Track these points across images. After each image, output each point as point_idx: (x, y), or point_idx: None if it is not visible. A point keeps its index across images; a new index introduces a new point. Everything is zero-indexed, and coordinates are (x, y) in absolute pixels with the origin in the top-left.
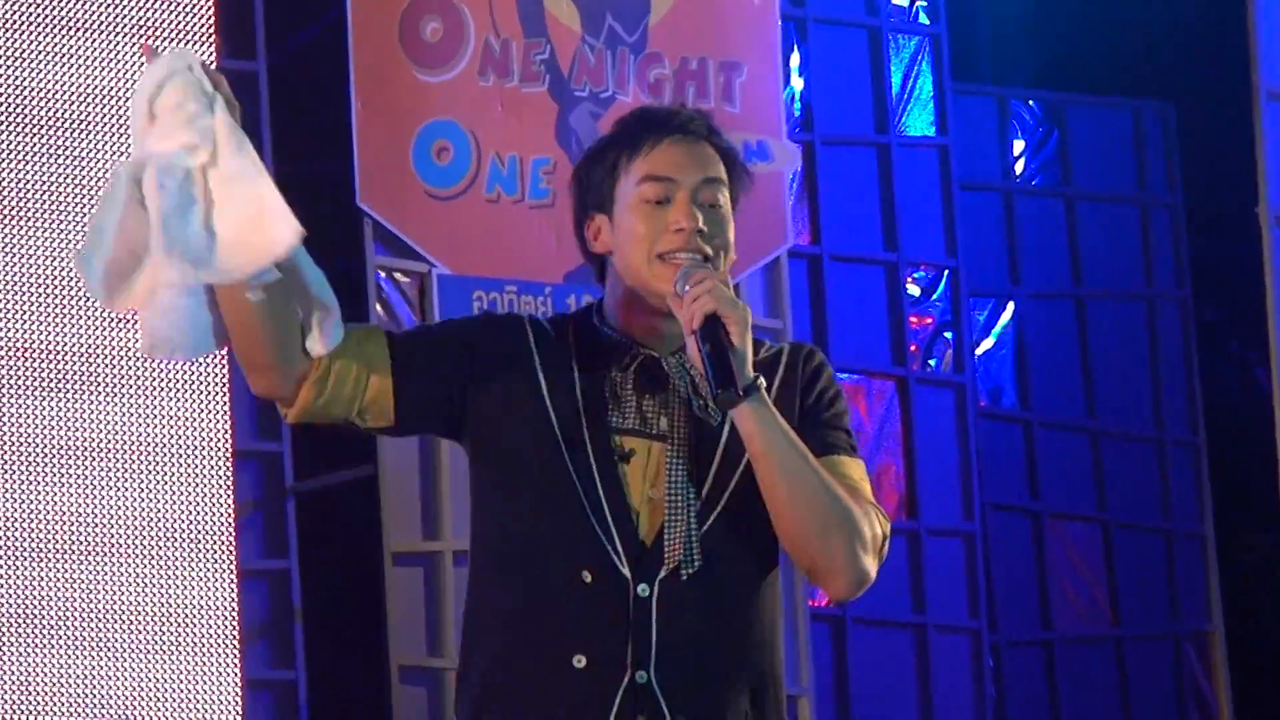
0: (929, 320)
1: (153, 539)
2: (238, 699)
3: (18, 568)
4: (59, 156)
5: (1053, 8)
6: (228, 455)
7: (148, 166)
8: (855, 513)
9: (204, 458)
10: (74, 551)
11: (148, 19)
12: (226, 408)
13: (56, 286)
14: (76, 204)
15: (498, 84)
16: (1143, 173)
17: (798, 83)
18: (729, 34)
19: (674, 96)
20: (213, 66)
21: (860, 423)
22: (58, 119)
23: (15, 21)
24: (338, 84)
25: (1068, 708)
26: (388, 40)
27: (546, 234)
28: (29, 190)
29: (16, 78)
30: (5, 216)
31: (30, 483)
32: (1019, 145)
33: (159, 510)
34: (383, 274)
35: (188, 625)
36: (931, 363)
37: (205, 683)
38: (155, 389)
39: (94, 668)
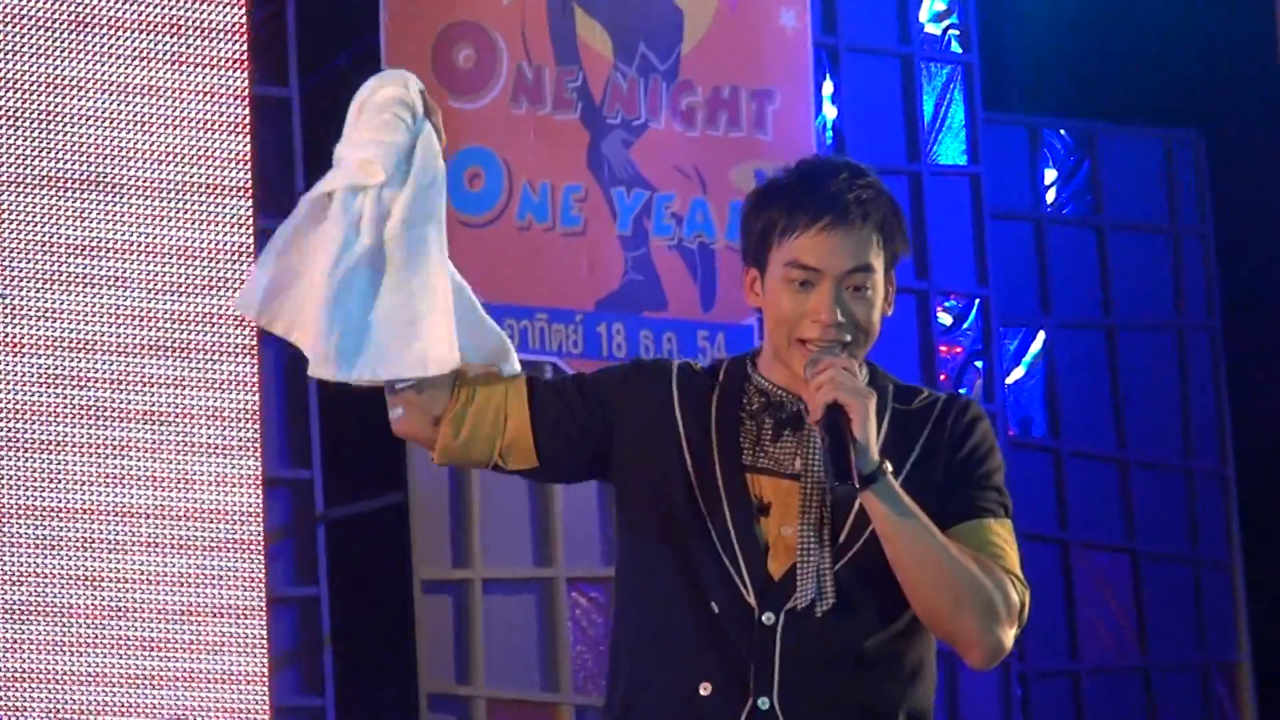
0: (959, 349)
1: (185, 566)
2: None
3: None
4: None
5: (1084, 37)
6: (258, 483)
7: (337, 190)
8: (988, 587)
9: (235, 485)
10: (107, 576)
11: (183, 46)
12: (257, 435)
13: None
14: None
15: (530, 111)
16: (1173, 202)
17: (830, 111)
18: (761, 62)
19: (706, 125)
20: (247, 93)
21: None
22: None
23: (47, 49)
24: None
25: None
26: (420, 66)
27: (578, 261)
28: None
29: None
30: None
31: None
32: (1050, 174)
33: (191, 538)
34: None
35: (218, 651)
36: (962, 391)
37: (236, 704)
38: (188, 417)
39: (123, 699)
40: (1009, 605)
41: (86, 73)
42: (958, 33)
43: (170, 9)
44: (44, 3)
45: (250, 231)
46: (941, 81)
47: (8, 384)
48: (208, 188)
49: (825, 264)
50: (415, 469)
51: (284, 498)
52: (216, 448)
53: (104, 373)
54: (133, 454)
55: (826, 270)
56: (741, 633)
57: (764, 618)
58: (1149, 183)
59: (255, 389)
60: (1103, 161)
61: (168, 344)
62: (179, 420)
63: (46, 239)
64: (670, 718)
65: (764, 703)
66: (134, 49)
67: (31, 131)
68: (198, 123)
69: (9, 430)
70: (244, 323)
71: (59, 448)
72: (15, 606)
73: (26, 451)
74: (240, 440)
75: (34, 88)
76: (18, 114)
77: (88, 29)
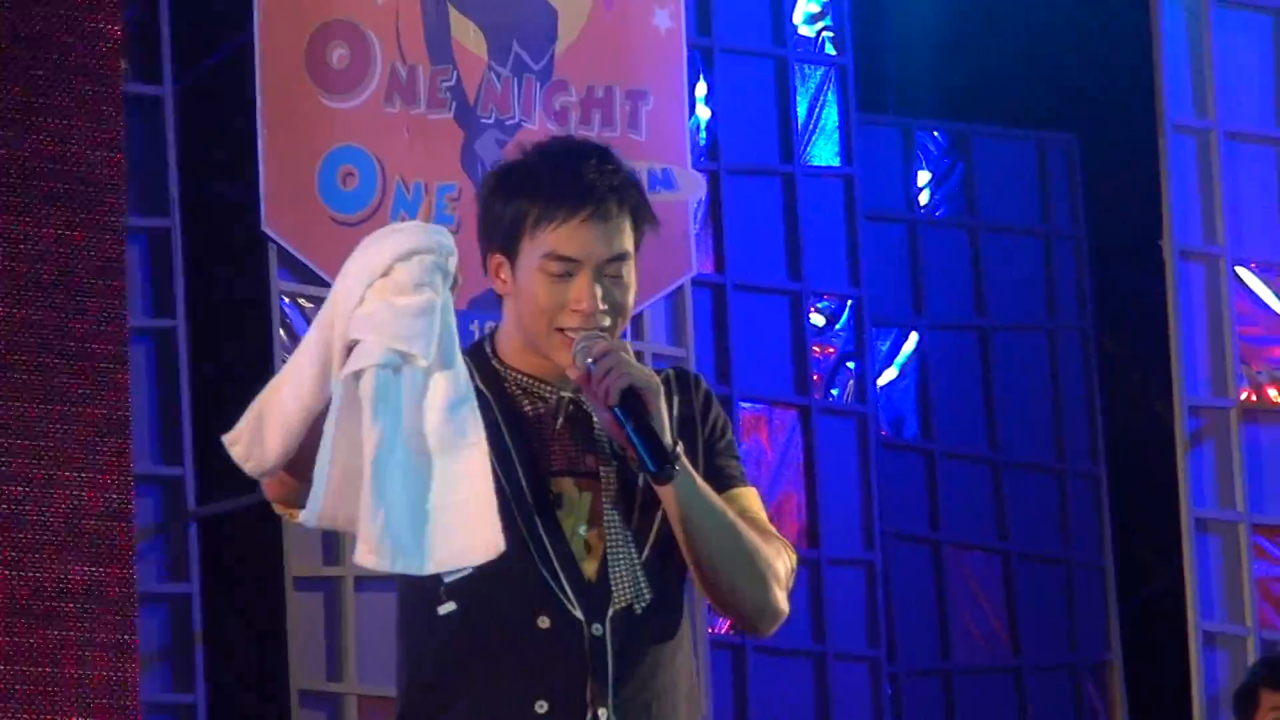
0: (832, 350)
1: (52, 560)
2: None
3: None
4: None
5: (959, 40)
6: (128, 480)
7: (365, 372)
8: (770, 555)
9: (104, 482)
10: None
11: (54, 44)
12: (127, 432)
13: None
14: None
15: (404, 110)
16: (1047, 205)
17: (704, 112)
18: (635, 63)
19: (580, 126)
20: (120, 91)
21: (762, 452)
22: None
23: None
24: (244, 109)
25: None
26: (294, 66)
27: None
28: None
29: None
30: None
31: None
32: (924, 176)
33: (59, 532)
34: (287, 299)
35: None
36: (834, 392)
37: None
38: (56, 414)
39: None
40: (787, 571)
41: None
42: (831, 35)
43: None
44: None
45: (121, 231)
46: (815, 83)
47: None
48: (79, 185)
49: (584, 254)
50: None
51: (155, 495)
52: (86, 445)
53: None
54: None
55: (586, 261)
56: (573, 646)
57: (593, 629)
58: (1022, 185)
59: (125, 388)
60: (976, 164)
61: (36, 342)
62: (48, 419)
63: None
64: None
65: (603, 714)
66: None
67: None
68: (69, 120)
69: None
70: (114, 322)
71: None
72: None
73: None
74: (111, 438)
75: None
76: None
77: None
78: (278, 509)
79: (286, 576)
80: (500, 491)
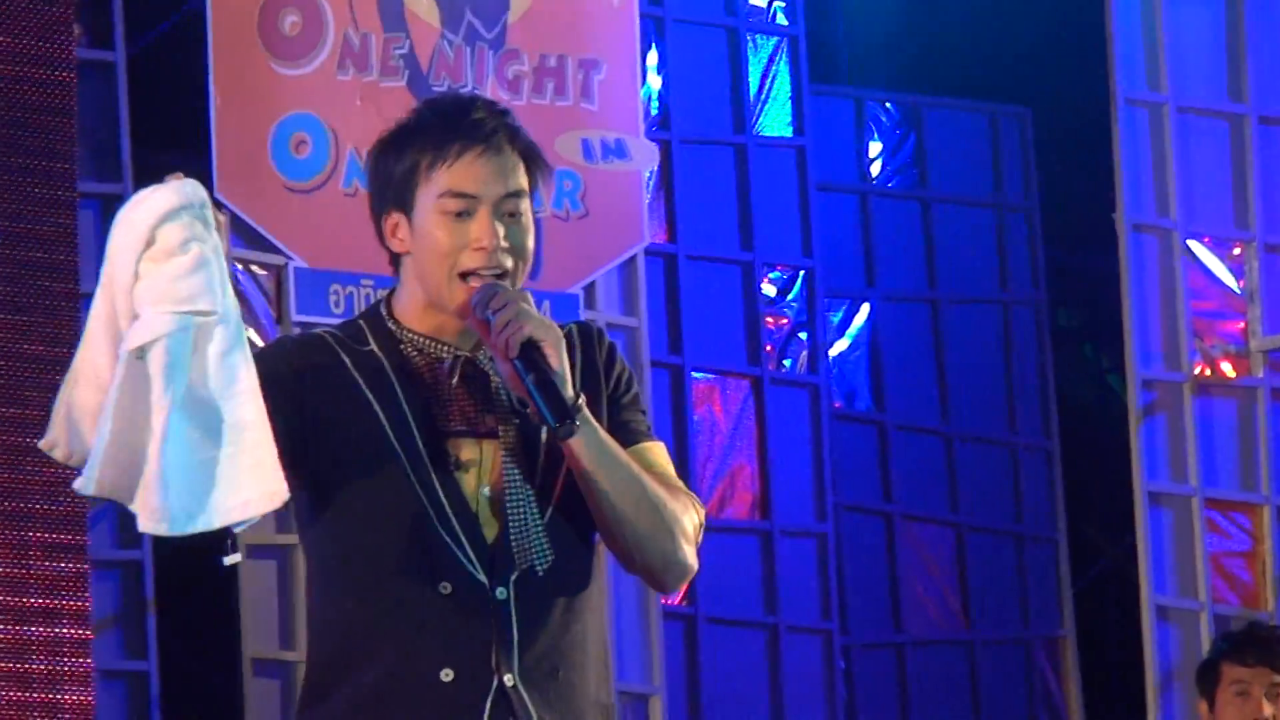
0: (784, 321)
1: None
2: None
3: None
4: None
5: (911, 11)
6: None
7: (156, 343)
8: (677, 511)
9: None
10: None
11: (5, 6)
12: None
13: None
14: None
15: (356, 78)
16: (999, 177)
17: (655, 81)
18: (588, 32)
19: (532, 94)
20: (72, 56)
21: (715, 422)
22: None
23: None
24: (195, 75)
25: (918, 710)
26: (246, 32)
27: None
28: None
29: None
30: None
31: None
32: (876, 147)
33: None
34: (239, 266)
35: (41, 615)
36: (786, 363)
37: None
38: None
39: None
40: (695, 526)
41: None
42: (783, 5)
43: None
44: None
45: (72, 198)
46: (767, 53)
47: None
48: (29, 152)
49: (482, 190)
50: None
51: None
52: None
53: None
54: None
55: (483, 196)
56: (477, 611)
57: (497, 592)
58: (975, 157)
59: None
60: (929, 135)
61: None
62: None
63: None
64: (412, 708)
65: (509, 679)
66: None
67: None
68: (21, 86)
69: None
70: (66, 294)
71: None
72: None
73: None
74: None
75: None
76: None
77: None
78: None
79: (237, 544)
80: (395, 454)
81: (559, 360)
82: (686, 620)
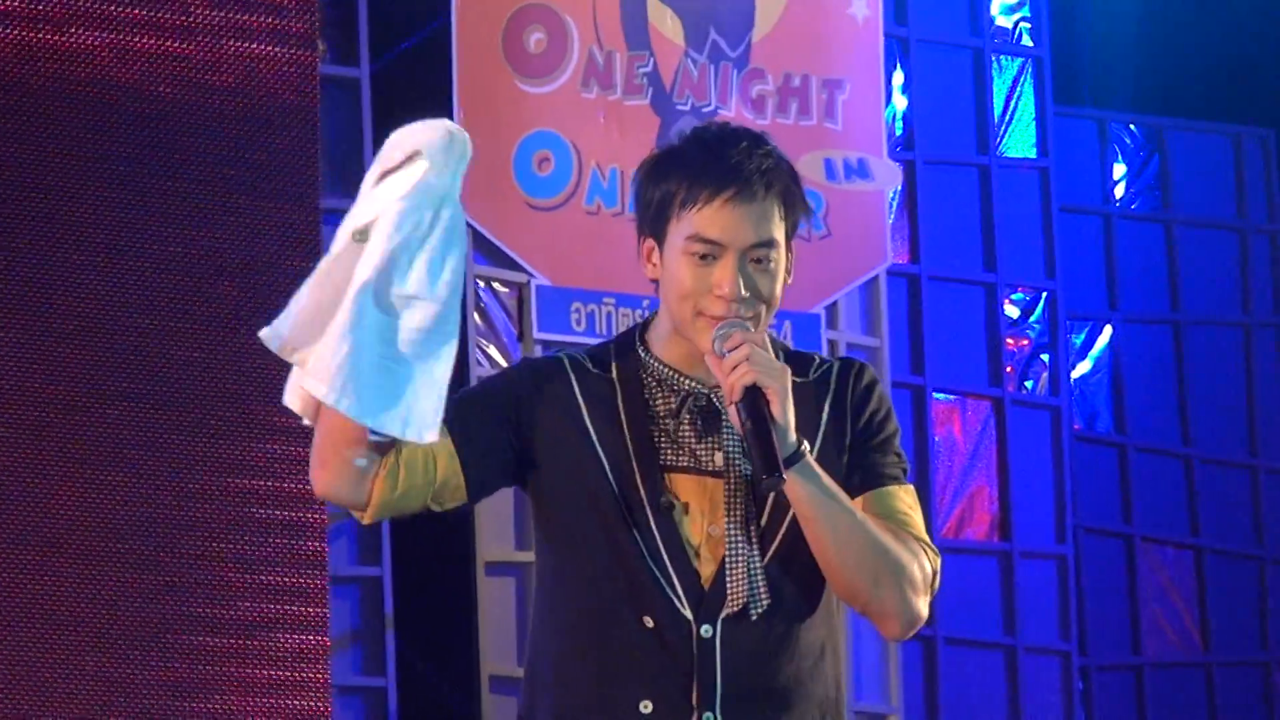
0: (1026, 342)
1: (244, 545)
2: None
3: (106, 570)
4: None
5: (1155, 32)
6: None
7: (375, 225)
8: (904, 559)
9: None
10: (167, 554)
11: (251, 22)
12: None
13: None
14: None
15: (600, 96)
16: (1242, 199)
17: (900, 101)
18: (832, 51)
19: (776, 113)
20: (317, 74)
21: (955, 443)
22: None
23: (122, 21)
24: (440, 92)
25: None
26: (491, 50)
27: None
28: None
29: (127, 78)
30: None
31: (118, 471)
32: (1119, 169)
33: (253, 515)
34: (482, 284)
35: (279, 631)
36: (1028, 385)
37: (298, 682)
38: (252, 399)
39: (185, 674)
40: (924, 575)
41: (155, 44)
42: (1029, 25)
43: None
44: None
45: (316, 211)
46: (1012, 74)
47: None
48: (274, 167)
49: (728, 238)
50: None
51: None
52: (281, 430)
53: (175, 356)
54: (194, 436)
55: (729, 244)
56: (680, 647)
57: (702, 630)
58: (1218, 179)
59: None
60: (1172, 157)
61: (229, 326)
62: (243, 398)
63: (97, 216)
64: None
65: (708, 717)
66: (202, 23)
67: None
68: (266, 102)
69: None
70: None
71: (116, 427)
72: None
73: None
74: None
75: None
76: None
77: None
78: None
79: (478, 561)
80: (609, 488)
81: (781, 409)
82: (925, 641)
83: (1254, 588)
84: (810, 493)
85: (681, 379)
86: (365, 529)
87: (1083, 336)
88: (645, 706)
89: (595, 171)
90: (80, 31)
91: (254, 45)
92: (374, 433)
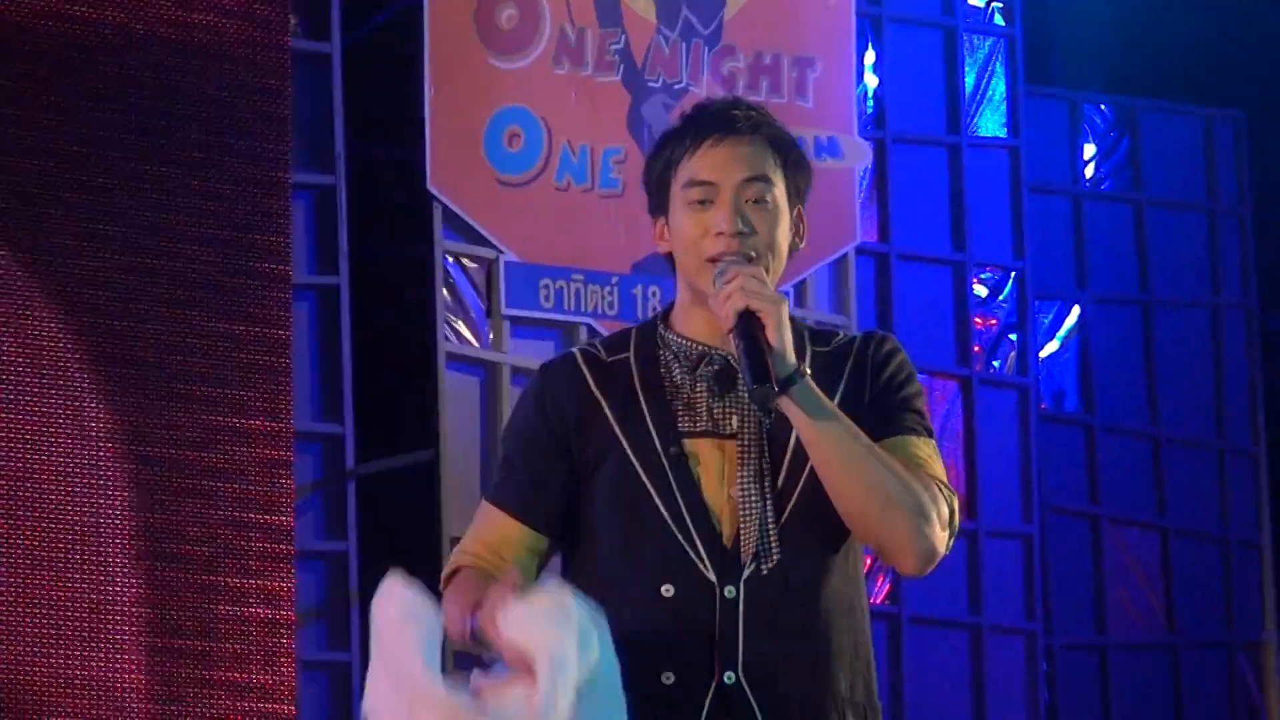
0: (994, 321)
1: (211, 520)
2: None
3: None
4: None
5: (1127, 13)
6: (289, 437)
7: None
8: (915, 487)
9: (265, 439)
10: (132, 534)
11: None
12: (289, 390)
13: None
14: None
15: (572, 72)
16: (1212, 180)
17: (871, 80)
18: (804, 29)
19: (747, 90)
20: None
21: None
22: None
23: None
24: (412, 68)
25: (1120, 713)
26: (463, 25)
27: (615, 224)
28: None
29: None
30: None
31: (86, 470)
32: (1090, 149)
33: (221, 488)
34: (451, 259)
35: (245, 604)
36: (995, 364)
37: (262, 656)
38: (217, 372)
39: (153, 642)
40: (938, 506)
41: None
42: (1000, 5)
43: None
44: None
45: (285, 186)
46: (984, 54)
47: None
48: (245, 141)
49: (719, 175)
50: (447, 426)
51: (315, 452)
52: (246, 402)
53: (143, 329)
54: (162, 407)
55: (722, 182)
56: (702, 611)
57: (726, 591)
58: (1188, 160)
59: (288, 344)
60: (1143, 138)
61: (197, 298)
62: (209, 371)
63: (78, 188)
64: (634, 712)
65: (729, 677)
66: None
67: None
68: (237, 77)
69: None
70: (276, 275)
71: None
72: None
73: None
74: (272, 392)
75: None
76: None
77: None
78: None
79: (444, 537)
80: (628, 460)
81: (776, 334)
82: (890, 619)
83: (1219, 569)
84: (809, 411)
85: (694, 346)
86: (332, 503)
87: (1051, 316)
88: (668, 677)
89: (566, 148)
90: (45, 5)
91: (224, 20)
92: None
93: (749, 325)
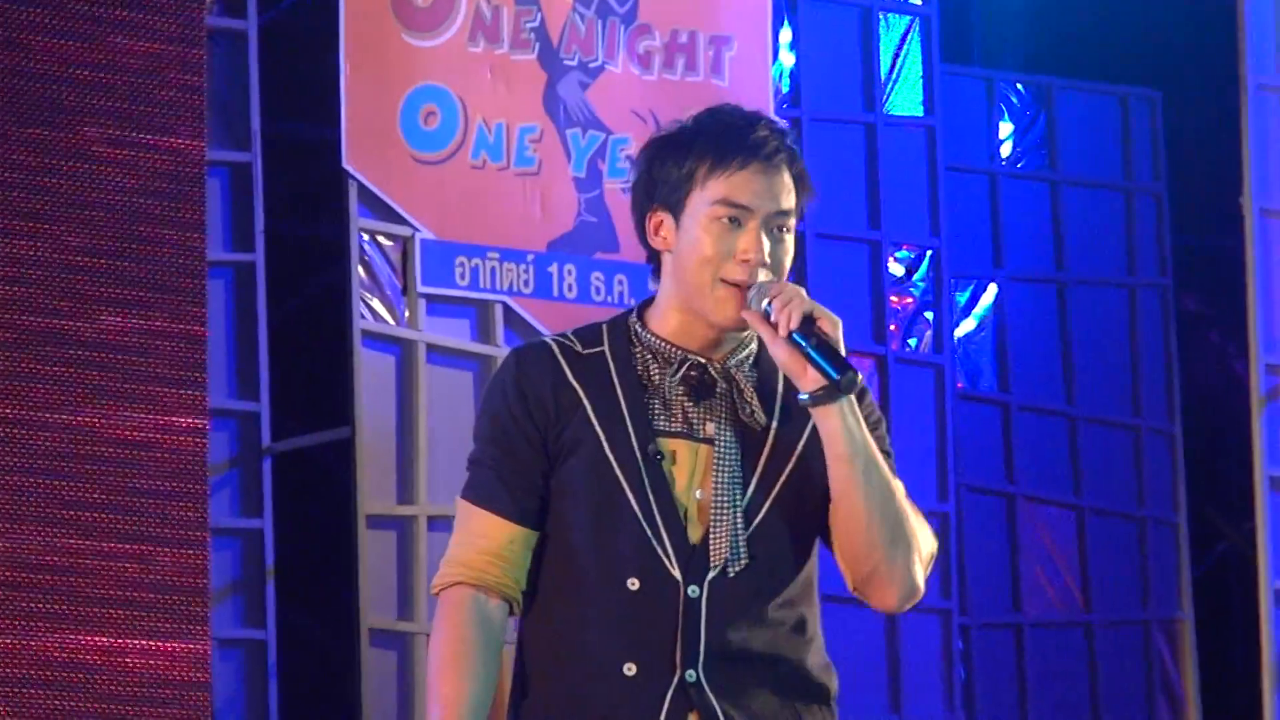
0: (910, 300)
1: (125, 499)
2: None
3: None
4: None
5: None
6: (204, 414)
7: None
8: (919, 527)
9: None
10: (44, 512)
11: None
12: (203, 366)
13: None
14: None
15: (487, 50)
16: (1128, 160)
17: (787, 59)
18: (720, 8)
19: (663, 69)
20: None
21: None
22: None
23: None
24: (327, 46)
25: (1036, 691)
26: (379, 3)
27: (531, 202)
28: None
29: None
30: None
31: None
32: (1006, 128)
33: (133, 470)
34: (366, 236)
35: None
36: (911, 343)
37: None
38: (133, 347)
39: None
40: (930, 550)
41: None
42: None
43: None
44: None
45: (201, 164)
46: (900, 32)
47: None
48: (161, 118)
49: (757, 203)
50: (362, 404)
51: (230, 429)
52: (162, 377)
53: (48, 304)
54: (77, 386)
55: (757, 209)
56: (666, 608)
57: (689, 590)
58: (1104, 140)
59: (203, 321)
60: (1059, 117)
61: (115, 275)
62: (125, 350)
63: None
64: (596, 702)
65: (690, 675)
66: None
67: None
68: (152, 54)
69: None
70: (192, 253)
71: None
72: None
73: None
74: (187, 371)
75: None
76: None
77: None
78: None
79: (359, 514)
80: (605, 454)
81: (837, 334)
82: None
83: (1135, 548)
84: (851, 428)
85: (675, 350)
86: (247, 481)
87: (967, 295)
88: (629, 669)
89: (481, 126)
90: None
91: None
92: None
93: (813, 326)
